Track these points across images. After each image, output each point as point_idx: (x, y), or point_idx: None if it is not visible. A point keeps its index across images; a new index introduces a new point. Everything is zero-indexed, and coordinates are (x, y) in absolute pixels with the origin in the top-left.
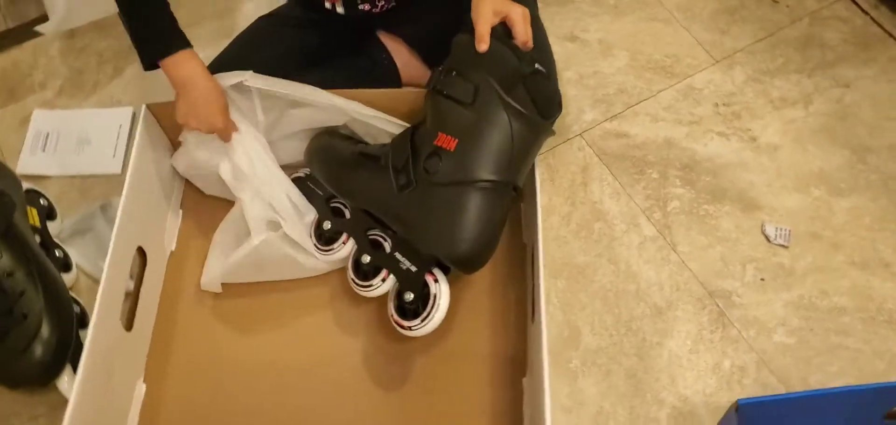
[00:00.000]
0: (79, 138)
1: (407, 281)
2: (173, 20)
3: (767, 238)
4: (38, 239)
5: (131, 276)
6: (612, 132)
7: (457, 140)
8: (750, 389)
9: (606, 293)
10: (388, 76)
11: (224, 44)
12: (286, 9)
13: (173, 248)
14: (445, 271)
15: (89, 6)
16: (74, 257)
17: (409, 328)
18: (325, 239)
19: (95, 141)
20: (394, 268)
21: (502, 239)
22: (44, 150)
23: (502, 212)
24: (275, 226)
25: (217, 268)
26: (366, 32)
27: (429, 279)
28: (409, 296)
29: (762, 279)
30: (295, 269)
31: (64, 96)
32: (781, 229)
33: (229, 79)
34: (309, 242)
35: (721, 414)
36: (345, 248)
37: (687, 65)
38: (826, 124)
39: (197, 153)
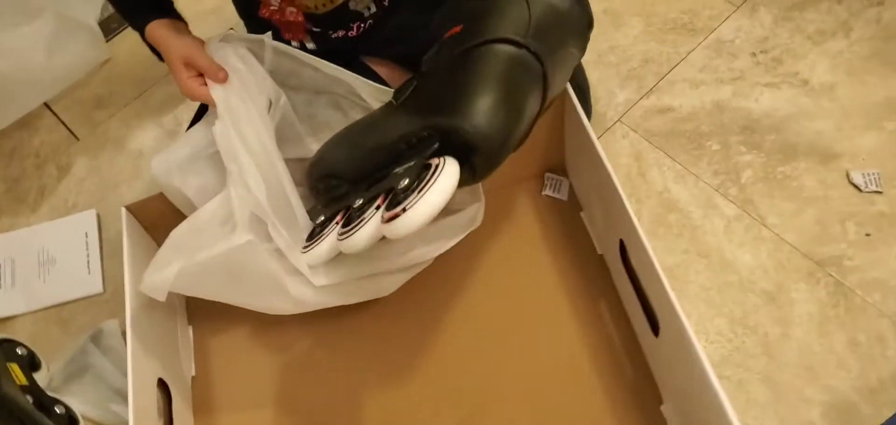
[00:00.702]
0: (39, 260)
1: (405, 172)
2: None
3: (857, 188)
4: (30, 399)
5: (160, 415)
6: (654, 109)
7: (462, 25)
8: (895, 360)
9: (708, 293)
10: None
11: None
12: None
13: (193, 373)
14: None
15: (13, 100)
16: (77, 407)
17: (403, 209)
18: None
19: (61, 259)
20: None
21: (574, 252)
22: (0, 287)
23: (526, 84)
24: (261, 227)
25: (171, 267)
26: (348, 62)
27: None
28: (404, 182)
29: (867, 234)
30: (275, 294)
31: (5, 215)
32: (870, 174)
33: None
34: (302, 262)
35: (877, 398)
36: (325, 243)
37: (708, 17)
38: (875, 49)
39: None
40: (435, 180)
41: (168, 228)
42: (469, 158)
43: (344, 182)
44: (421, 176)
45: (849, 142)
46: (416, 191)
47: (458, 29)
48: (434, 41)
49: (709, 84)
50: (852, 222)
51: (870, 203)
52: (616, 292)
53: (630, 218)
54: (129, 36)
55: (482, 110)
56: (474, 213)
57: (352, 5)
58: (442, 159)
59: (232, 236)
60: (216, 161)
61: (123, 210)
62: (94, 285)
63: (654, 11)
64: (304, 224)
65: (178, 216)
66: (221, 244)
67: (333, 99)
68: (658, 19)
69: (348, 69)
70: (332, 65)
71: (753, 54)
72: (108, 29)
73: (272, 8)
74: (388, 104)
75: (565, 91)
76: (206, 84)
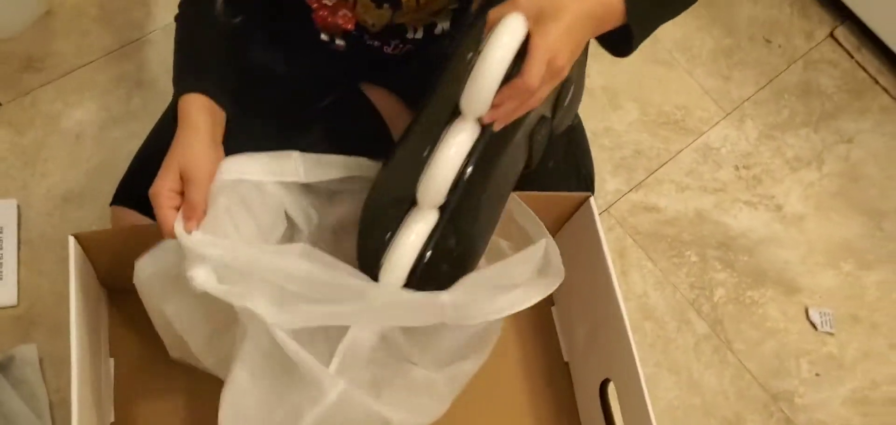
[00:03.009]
0: None
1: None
2: (198, 58)
3: (814, 326)
4: None
5: None
6: (640, 205)
7: None
8: None
9: (675, 412)
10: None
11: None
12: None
13: (112, 419)
14: None
15: None
16: None
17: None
18: None
19: None
20: None
21: (538, 352)
22: None
23: None
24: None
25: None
26: (349, 84)
27: None
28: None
29: (817, 374)
30: None
31: None
32: (825, 314)
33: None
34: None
35: None
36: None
37: (699, 118)
38: (841, 187)
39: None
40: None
41: (126, 278)
42: None
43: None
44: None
45: (811, 278)
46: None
47: None
48: None
49: (694, 190)
50: (806, 360)
51: (822, 343)
52: (577, 411)
53: (633, 359)
54: None
55: None
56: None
57: (401, 20)
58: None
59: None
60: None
61: (71, 240)
62: (5, 294)
63: (650, 100)
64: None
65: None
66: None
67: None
68: (653, 109)
69: (340, 91)
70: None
71: (736, 168)
72: None
73: (324, 4)
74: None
75: (581, 179)
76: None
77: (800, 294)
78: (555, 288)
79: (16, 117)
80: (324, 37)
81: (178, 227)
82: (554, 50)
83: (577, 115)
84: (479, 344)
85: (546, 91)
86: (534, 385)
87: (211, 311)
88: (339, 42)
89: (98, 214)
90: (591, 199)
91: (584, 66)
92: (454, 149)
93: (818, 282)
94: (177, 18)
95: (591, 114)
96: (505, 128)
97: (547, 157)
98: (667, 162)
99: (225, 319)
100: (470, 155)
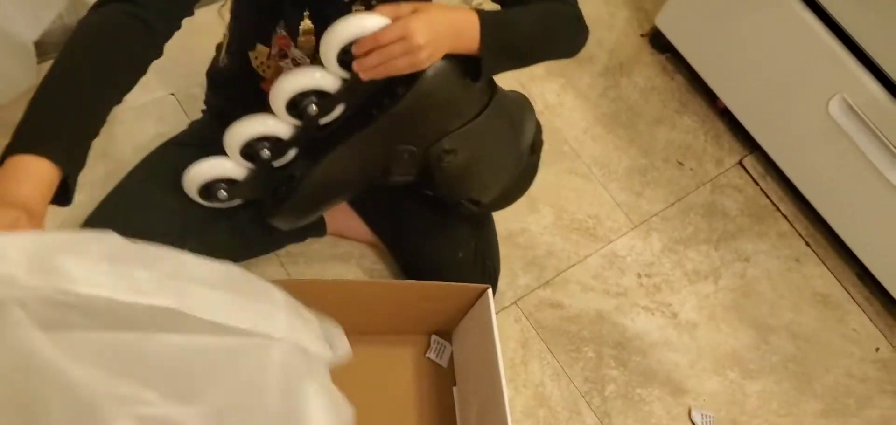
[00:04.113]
0: None
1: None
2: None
3: None
4: None
5: None
6: (547, 301)
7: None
8: None
9: None
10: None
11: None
12: (201, 128)
13: None
14: None
15: None
16: None
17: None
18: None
19: None
20: None
21: None
22: None
23: None
24: None
25: None
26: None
27: None
28: None
29: None
30: None
31: None
32: (707, 417)
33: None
34: None
35: None
36: None
37: (609, 228)
38: (734, 301)
39: None
40: None
41: None
42: None
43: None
44: None
45: (697, 381)
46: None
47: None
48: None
49: (597, 292)
50: None
51: None
52: None
53: None
54: None
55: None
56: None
57: None
58: None
59: None
60: None
61: None
62: None
63: (565, 207)
64: None
65: None
66: None
67: None
68: (567, 216)
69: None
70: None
71: (639, 276)
72: (43, 51)
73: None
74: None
75: (486, 272)
76: None
77: (685, 395)
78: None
79: None
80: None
81: None
82: (412, 27)
83: (489, 216)
84: None
85: (402, 63)
86: None
87: None
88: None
89: None
90: (489, 291)
91: (484, 158)
92: (307, 73)
93: (704, 386)
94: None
95: (511, 215)
96: (363, 107)
97: (457, 248)
98: (575, 264)
99: None
100: (320, 93)
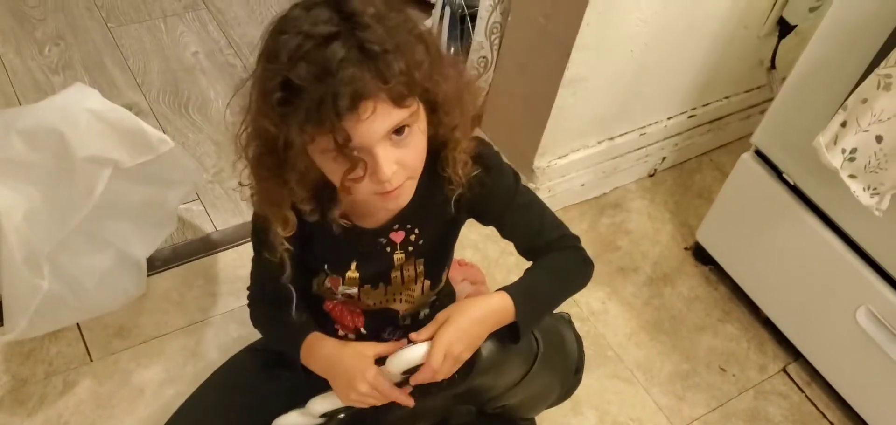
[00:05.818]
0: None
1: None
2: (294, 322)
3: None
4: None
5: None
6: None
7: None
8: None
9: None
10: None
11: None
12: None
13: None
14: None
15: (53, 318)
16: None
17: None
18: None
19: None
20: None
21: None
22: None
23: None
24: None
25: None
26: None
27: None
28: None
29: None
30: None
31: (2, 412)
32: None
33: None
34: None
35: None
36: None
37: None
38: None
39: None
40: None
41: None
42: None
43: None
44: None
45: None
46: None
47: None
48: None
49: None
50: None
51: None
52: None
53: None
54: (167, 276)
55: None
56: None
57: (394, 306)
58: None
59: None
60: None
61: None
62: None
63: (608, 410)
64: None
65: None
66: None
67: None
68: (610, 419)
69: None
70: None
71: None
72: (152, 265)
73: (338, 301)
74: None
75: None
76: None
77: None
78: None
79: (100, 371)
80: (340, 332)
81: None
82: (449, 343)
83: (532, 420)
84: None
85: (448, 368)
86: None
87: None
88: (351, 337)
89: None
90: None
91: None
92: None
93: None
94: (258, 324)
95: (555, 417)
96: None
97: None
98: None
99: None
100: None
